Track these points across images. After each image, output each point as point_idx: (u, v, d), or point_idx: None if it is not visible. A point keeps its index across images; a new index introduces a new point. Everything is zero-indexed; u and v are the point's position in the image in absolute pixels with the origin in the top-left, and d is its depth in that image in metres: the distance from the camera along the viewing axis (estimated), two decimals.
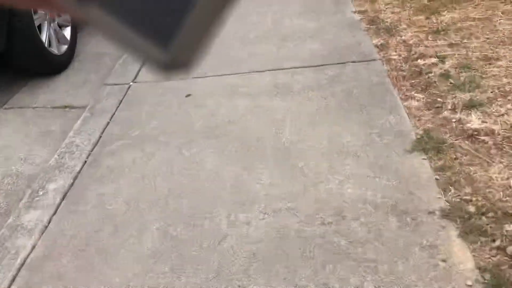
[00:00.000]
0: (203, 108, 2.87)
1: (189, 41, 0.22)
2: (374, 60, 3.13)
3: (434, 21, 3.56)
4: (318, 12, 4.07)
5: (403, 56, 3.13)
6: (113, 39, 0.24)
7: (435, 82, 2.77)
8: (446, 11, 3.68)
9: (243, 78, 3.17)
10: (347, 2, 4.20)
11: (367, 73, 2.97)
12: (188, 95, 3.03)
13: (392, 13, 3.84)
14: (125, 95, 3.15)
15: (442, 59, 3.00)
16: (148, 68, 0.24)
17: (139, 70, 3.47)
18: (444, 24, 3.47)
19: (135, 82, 3.32)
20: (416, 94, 2.69)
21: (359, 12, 3.94)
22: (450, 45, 3.17)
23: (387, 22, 3.67)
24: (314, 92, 2.85)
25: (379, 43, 3.35)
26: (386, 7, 3.99)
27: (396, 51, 3.20)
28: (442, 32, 3.35)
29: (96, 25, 0.23)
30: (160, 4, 0.21)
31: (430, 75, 2.85)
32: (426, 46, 3.20)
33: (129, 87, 3.25)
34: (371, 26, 3.64)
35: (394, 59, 3.10)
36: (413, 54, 3.12)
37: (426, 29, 3.47)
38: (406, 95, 2.69)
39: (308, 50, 3.40)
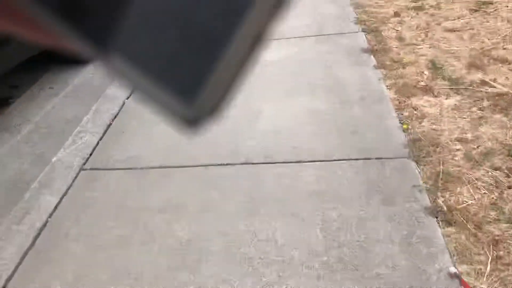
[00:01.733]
0: None
1: (215, 95, 0.20)
2: None
3: None
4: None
5: None
6: (134, 90, 0.21)
7: None
8: None
9: None
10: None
11: None
12: None
13: None
14: None
15: None
16: (172, 122, 0.21)
17: None
18: None
19: None
20: None
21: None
22: None
23: None
24: None
25: None
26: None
27: None
28: None
29: (117, 75, 0.21)
30: (186, 56, 0.19)
31: None
32: None
33: None
34: None
35: None
36: None
37: None
38: None
39: None
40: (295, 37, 3.82)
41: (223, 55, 0.19)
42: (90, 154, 2.57)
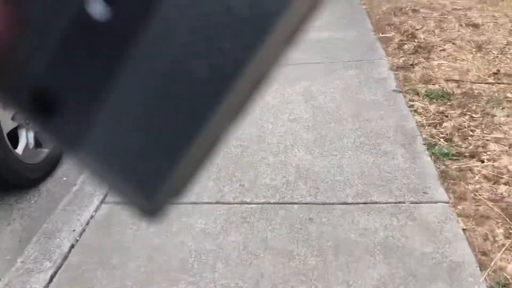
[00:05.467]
0: None
1: (174, 187, 0.22)
2: None
3: None
4: None
5: None
6: (97, 179, 0.22)
7: None
8: None
9: None
10: None
11: None
12: None
13: None
14: None
15: None
16: (132, 211, 0.23)
17: None
18: None
19: None
20: None
21: None
22: None
23: None
24: None
25: None
26: None
27: None
28: None
29: (81, 166, 0.22)
30: (149, 155, 0.21)
31: None
32: None
33: None
34: None
35: None
36: None
37: None
38: None
39: None
40: None
41: (182, 158, 0.20)
42: None
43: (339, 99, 3.08)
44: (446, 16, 4.47)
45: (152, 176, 0.20)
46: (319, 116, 2.89)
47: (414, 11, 4.76)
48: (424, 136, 2.60)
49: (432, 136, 2.60)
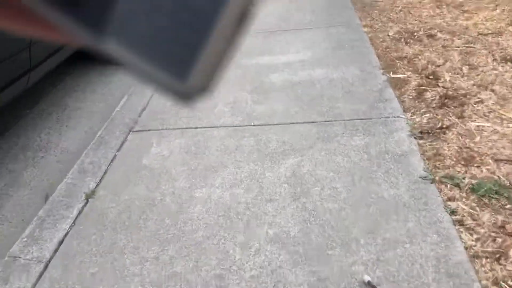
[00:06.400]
0: None
1: (207, 69, 0.22)
2: None
3: None
4: None
5: None
6: (128, 70, 0.23)
7: None
8: None
9: None
10: None
11: None
12: None
13: None
14: None
15: None
16: (167, 97, 0.23)
17: None
18: None
19: None
20: None
21: None
22: None
23: None
24: None
25: None
26: None
27: None
28: None
29: (111, 57, 0.22)
30: (177, 35, 0.21)
31: None
32: None
33: None
34: None
35: None
36: None
37: None
38: None
39: None
40: None
41: (212, 31, 0.20)
42: None
43: (342, 195, 2.08)
44: (473, 46, 3.48)
45: (183, 57, 0.20)
46: (314, 231, 1.89)
47: (430, 36, 3.76)
48: (483, 282, 1.61)
49: (496, 283, 1.61)
